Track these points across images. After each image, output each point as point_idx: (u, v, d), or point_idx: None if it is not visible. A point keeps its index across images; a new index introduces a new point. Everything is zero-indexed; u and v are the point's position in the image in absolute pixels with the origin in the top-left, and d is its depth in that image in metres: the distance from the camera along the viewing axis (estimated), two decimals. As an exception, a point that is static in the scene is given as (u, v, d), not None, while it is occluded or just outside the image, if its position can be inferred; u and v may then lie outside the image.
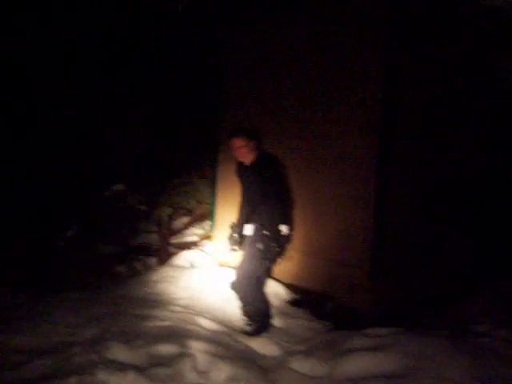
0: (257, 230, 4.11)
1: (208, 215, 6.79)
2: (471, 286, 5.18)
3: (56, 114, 6.35)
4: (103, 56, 6.62)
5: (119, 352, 3.52)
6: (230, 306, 4.52)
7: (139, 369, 3.20)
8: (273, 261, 4.21)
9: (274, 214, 4.06)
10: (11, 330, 4.10)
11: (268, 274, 4.39)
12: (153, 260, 6.50)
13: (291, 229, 4.25)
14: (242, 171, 4.39)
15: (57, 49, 6.25)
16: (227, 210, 5.53)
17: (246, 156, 4.25)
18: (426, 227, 4.81)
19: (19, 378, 3.21)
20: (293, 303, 4.79)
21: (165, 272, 5.34)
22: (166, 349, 3.44)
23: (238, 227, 4.39)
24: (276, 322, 4.30)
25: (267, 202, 4.09)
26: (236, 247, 4.41)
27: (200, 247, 6.42)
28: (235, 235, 4.39)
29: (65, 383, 3.09)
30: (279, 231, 4.03)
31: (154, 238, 6.91)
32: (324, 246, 4.67)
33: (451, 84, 4.98)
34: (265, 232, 4.02)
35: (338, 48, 4.54)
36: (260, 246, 3.99)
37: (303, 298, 4.81)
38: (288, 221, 4.22)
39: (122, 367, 3.24)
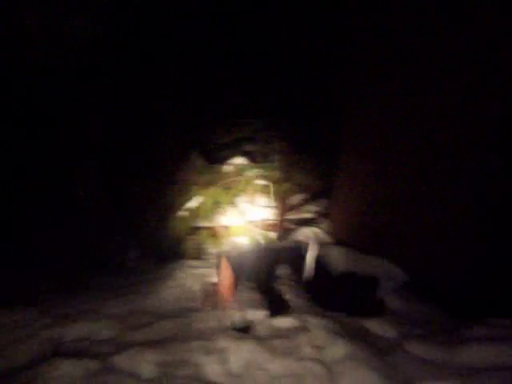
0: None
1: (325, 192, 6.83)
2: None
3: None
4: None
5: (240, 322, 3.74)
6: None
7: (259, 339, 3.37)
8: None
9: None
10: (140, 295, 4.48)
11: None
12: (270, 234, 6.65)
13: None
14: None
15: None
16: (346, 187, 5.55)
17: None
18: None
19: (144, 339, 3.51)
20: (408, 286, 4.73)
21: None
22: (286, 322, 3.58)
23: None
24: (391, 303, 4.29)
25: None
26: None
27: (316, 224, 6.48)
28: None
29: (188, 346, 3.33)
30: None
31: (271, 213, 7.06)
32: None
33: None
34: None
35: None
36: None
37: (419, 281, 4.73)
38: None
39: (242, 336, 3.43)
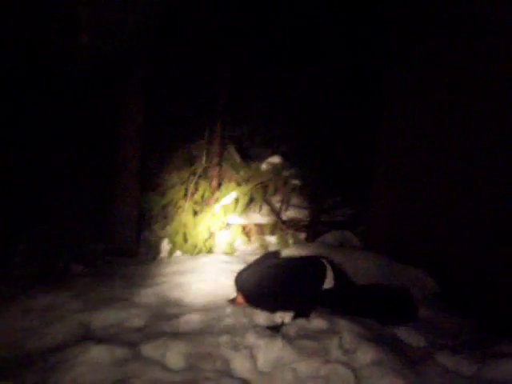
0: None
1: (361, 196, 6.78)
2: None
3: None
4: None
5: (269, 320, 3.74)
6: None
7: (288, 338, 3.36)
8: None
9: None
10: (170, 286, 4.52)
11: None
12: (301, 235, 6.64)
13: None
14: None
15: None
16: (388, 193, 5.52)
17: None
18: None
19: (172, 330, 3.53)
20: (440, 295, 4.66)
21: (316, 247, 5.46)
22: (316, 323, 3.57)
23: None
24: (422, 313, 4.23)
25: None
26: None
27: (349, 228, 6.45)
28: None
29: (216, 340, 3.35)
30: None
31: (304, 214, 7.05)
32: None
33: None
34: None
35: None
36: None
37: (452, 291, 4.66)
38: None
39: (271, 334, 3.43)
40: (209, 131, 6.89)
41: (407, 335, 3.72)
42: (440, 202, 4.91)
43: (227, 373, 2.99)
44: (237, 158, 7.11)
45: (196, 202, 6.41)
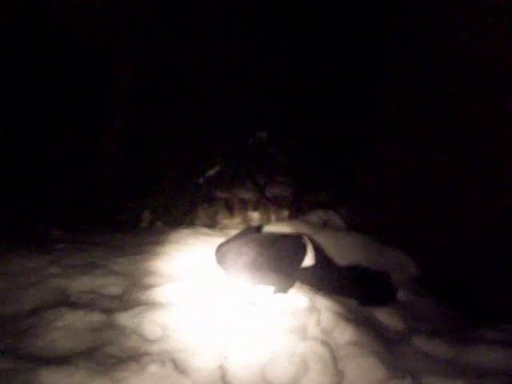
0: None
1: (346, 178, 6.75)
2: None
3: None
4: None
5: (248, 294, 3.72)
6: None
7: (266, 313, 3.35)
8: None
9: None
10: (150, 255, 4.47)
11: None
12: (284, 212, 6.61)
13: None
14: None
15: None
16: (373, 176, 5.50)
17: None
18: None
19: (149, 300, 3.49)
20: (421, 279, 4.67)
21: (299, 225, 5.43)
22: (295, 300, 3.55)
23: None
24: (402, 296, 4.23)
25: None
26: None
27: (333, 208, 6.42)
28: None
29: (193, 312, 3.32)
30: None
31: (288, 191, 7.00)
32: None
33: None
34: None
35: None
36: None
37: (432, 276, 4.67)
38: None
39: (249, 308, 3.42)
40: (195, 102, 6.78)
41: (386, 317, 3.73)
42: (424, 186, 4.91)
43: (203, 345, 2.96)
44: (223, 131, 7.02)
45: (180, 173, 6.32)
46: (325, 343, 3.07)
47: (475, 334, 3.38)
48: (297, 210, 6.54)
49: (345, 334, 3.18)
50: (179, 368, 2.57)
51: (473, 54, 4.37)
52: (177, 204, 6.03)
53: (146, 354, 2.75)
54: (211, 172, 6.39)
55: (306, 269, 4.02)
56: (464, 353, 3.14)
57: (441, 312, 4.04)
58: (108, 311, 3.24)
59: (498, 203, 4.16)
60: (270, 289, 3.78)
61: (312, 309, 3.45)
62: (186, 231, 5.26)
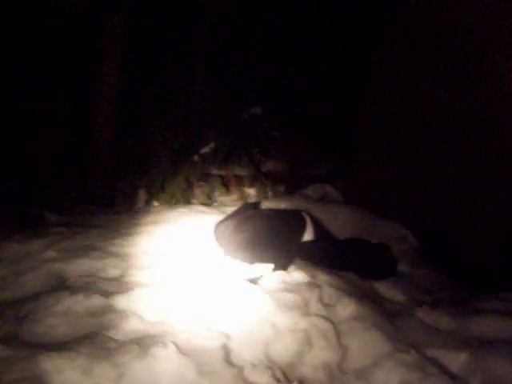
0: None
1: (341, 151, 6.70)
2: None
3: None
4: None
5: (248, 272, 3.69)
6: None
7: (267, 291, 3.31)
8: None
9: None
10: (147, 235, 4.42)
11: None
12: (281, 188, 6.57)
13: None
14: None
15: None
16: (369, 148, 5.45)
17: None
18: None
19: (148, 281, 3.45)
20: (420, 251, 4.65)
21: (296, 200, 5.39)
22: (295, 276, 3.53)
23: None
24: (401, 268, 4.22)
25: None
26: None
27: (330, 182, 6.38)
28: None
29: (193, 291, 3.29)
30: None
31: (283, 166, 6.95)
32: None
33: None
34: None
35: None
36: None
37: (431, 247, 4.65)
38: None
39: (250, 286, 3.38)
40: (189, 76, 6.68)
41: (386, 290, 3.72)
42: (421, 157, 4.86)
43: (205, 325, 2.93)
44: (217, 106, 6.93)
45: (174, 151, 6.24)
46: (327, 318, 3.07)
47: (476, 305, 3.36)
48: (293, 185, 6.49)
49: (347, 308, 3.17)
50: (182, 350, 2.54)
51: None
52: (172, 183, 5.96)
53: (148, 336, 2.72)
54: (206, 149, 6.31)
55: (306, 244, 3.99)
56: (466, 324, 3.12)
57: (441, 283, 4.03)
58: (107, 294, 3.19)
59: (496, 169, 4.13)
60: (270, 266, 3.76)
61: (313, 284, 3.44)
62: (182, 210, 5.22)
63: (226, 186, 6.44)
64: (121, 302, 3.11)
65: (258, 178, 6.56)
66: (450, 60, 4.52)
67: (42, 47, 5.47)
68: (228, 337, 2.81)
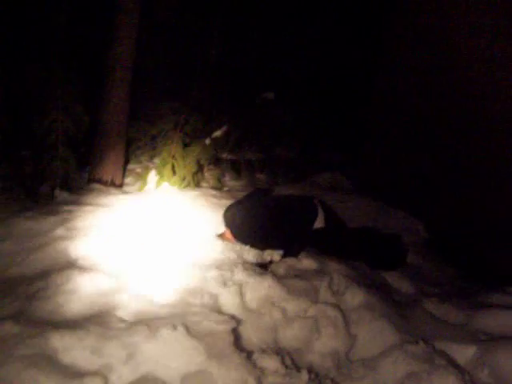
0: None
1: (353, 140, 6.66)
2: None
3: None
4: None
5: (258, 258, 3.68)
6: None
7: (277, 277, 3.30)
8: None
9: None
10: (159, 217, 4.41)
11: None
12: (291, 174, 6.54)
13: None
14: None
15: None
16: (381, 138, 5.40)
17: None
18: None
19: (159, 263, 3.45)
20: (430, 242, 4.64)
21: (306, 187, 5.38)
22: (305, 263, 3.51)
23: None
24: (411, 259, 4.20)
25: None
26: None
27: (341, 170, 6.36)
28: None
29: (205, 275, 3.29)
30: None
31: (295, 153, 6.93)
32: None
33: None
34: None
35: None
36: None
37: (441, 239, 4.64)
38: None
39: (260, 271, 3.37)
40: (202, 59, 6.63)
41: (396, 281, 3.71)
42: (433, 149, 4.81)
43: (215, 308, 2.93)
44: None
45: (186, 134, 6.20)
46: (336, 306, 3.06)
47: (484, 299, 3.36)
48: (304, 172, 6.46)
49: (356, 297, 3.16)
50: (191, 332, 2.54)
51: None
52: (183, 166, 5.93)
53: (157, 318, 2.72)
54: (218, 133, 6.26)
55: (316, 232, 3.97)
56: (475, 317, 3.11)
57: (450, 275, 4.02)
58: (117, 275, 3.20)
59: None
60: (280, 252, 3.75)
61: (322, 272, 3.43)
62: (192, 193, 5.21)
63: (236, 170, 6.42)
64: (130, 282, 3.12)
65: (269, 163, 6.53)
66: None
67: (54, 27, 5.43)
68: (238, 321, 2.81)
